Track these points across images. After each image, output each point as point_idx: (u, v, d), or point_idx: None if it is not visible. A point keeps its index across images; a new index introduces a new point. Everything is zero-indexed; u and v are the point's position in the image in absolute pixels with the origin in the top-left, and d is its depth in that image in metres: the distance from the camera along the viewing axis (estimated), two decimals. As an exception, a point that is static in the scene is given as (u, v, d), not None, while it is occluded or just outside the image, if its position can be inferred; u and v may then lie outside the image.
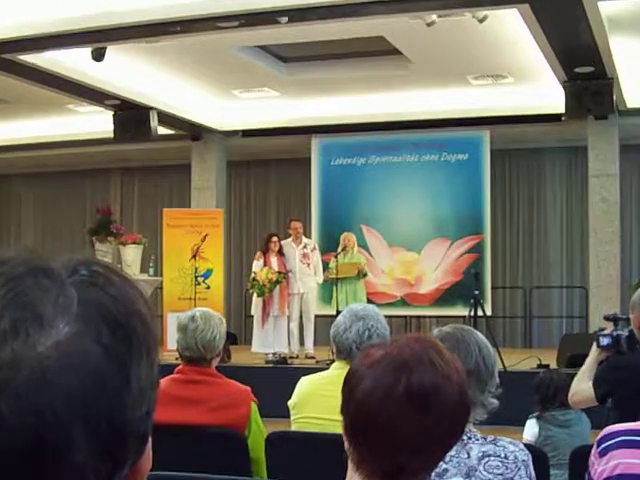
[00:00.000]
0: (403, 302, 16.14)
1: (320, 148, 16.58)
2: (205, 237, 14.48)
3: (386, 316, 4.61)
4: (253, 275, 13.49)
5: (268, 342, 13.46)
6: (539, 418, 6.44)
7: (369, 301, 13.22)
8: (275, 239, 13.78)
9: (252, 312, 13.93)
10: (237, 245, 19.05)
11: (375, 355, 1.83)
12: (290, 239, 14.03)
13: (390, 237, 16.23)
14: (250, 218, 19.16)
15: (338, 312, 10.91)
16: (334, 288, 13.57)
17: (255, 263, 13.80)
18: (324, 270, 13.90)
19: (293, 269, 13.75)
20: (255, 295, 13.55)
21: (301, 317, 14.03)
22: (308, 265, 13.83)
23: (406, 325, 16.38)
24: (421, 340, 1.86)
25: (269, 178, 19.02)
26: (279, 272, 13.38)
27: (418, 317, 16.52)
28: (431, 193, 16.11)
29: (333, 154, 16.48)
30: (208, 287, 14.91)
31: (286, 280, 13.54)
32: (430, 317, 16.32)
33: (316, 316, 14.35)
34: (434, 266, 16.07)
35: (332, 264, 13.60)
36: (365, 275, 13.59)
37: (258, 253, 13.93)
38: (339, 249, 13.79)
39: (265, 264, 13.52)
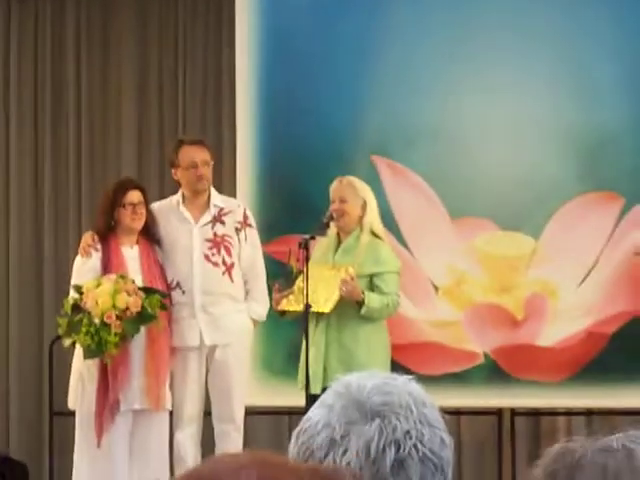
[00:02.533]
0: (493, 370, 8.02)
1: None
2: None
3: (444, 410, 1.85)
4: (74, 298, 7.29)
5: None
6: None
7: (396, 367, 7.35)
8: (135, 197, 7.49)
9: (70, 404, 7.63)
10: (28, 211, 9.56)
11: None
12: (178, 196, 7.74)
13: (455, 193, 8.04)
14: (59, 138, 9.39)
15: (312, 398, 6.59)
16: (301, 336, 7.45)
17: (80, 263, 7.66)
18: (275, 286, 7.52)
19: (185, 279, 7.65)
20: (79, 354, 7.47)
21: (209, 413, 7.73)
22: (228, 269, 7.61)
23: (500, 433, 8.24)
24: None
25: (113, 24, 9.19)
26: (147, 289, 7.31)
27: (536, 413, 8.40)
28: (566, 70, 7.92)
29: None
30: None
31: (165, 314, 7.34)
32: (569, 413, 8.29)
33: (250, 412, 7.86)
34: (581, 270, 7.98)
35: (301, 271, 7.33)
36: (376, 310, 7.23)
37: (88, 236, 7.65)
38: (321, 224, 7.40)
39: (107, 267, 7.52)
